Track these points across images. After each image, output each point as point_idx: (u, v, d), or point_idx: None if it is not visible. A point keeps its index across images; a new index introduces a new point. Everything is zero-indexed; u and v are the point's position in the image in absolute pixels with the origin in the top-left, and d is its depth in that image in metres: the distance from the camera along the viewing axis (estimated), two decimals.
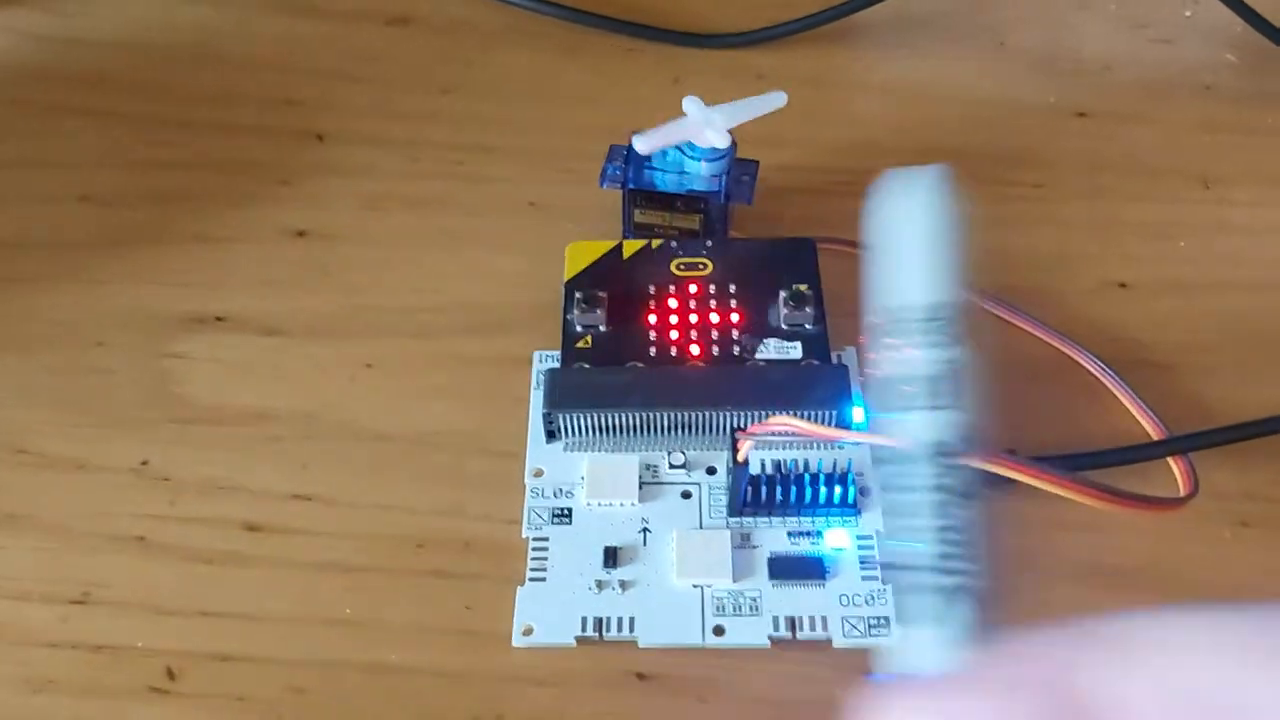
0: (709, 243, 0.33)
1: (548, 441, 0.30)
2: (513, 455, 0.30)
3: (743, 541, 0.28)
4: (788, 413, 0.28)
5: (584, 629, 0.27)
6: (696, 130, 0.33)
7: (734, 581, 0.28)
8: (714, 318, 0.31)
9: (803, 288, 0.31)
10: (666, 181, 0.33)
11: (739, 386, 0.30)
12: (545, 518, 0.29)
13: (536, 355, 0.32)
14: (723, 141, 0.33)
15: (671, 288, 0.32)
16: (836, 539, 0.28)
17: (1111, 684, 0.16)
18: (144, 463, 0.31)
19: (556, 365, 0.31)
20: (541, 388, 0.30)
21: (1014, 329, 0.33)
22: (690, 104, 0.33)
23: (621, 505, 0.29)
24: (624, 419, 0.29)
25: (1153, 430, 0.31)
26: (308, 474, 0.30)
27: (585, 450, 0.30)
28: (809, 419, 0.28)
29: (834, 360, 0.31)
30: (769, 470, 0.28)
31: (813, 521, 0.29)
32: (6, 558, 0.29)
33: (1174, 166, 0.39)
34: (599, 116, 0.39)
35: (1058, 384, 0.32)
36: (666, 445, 0.30)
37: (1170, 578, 0.28)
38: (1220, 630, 0.16)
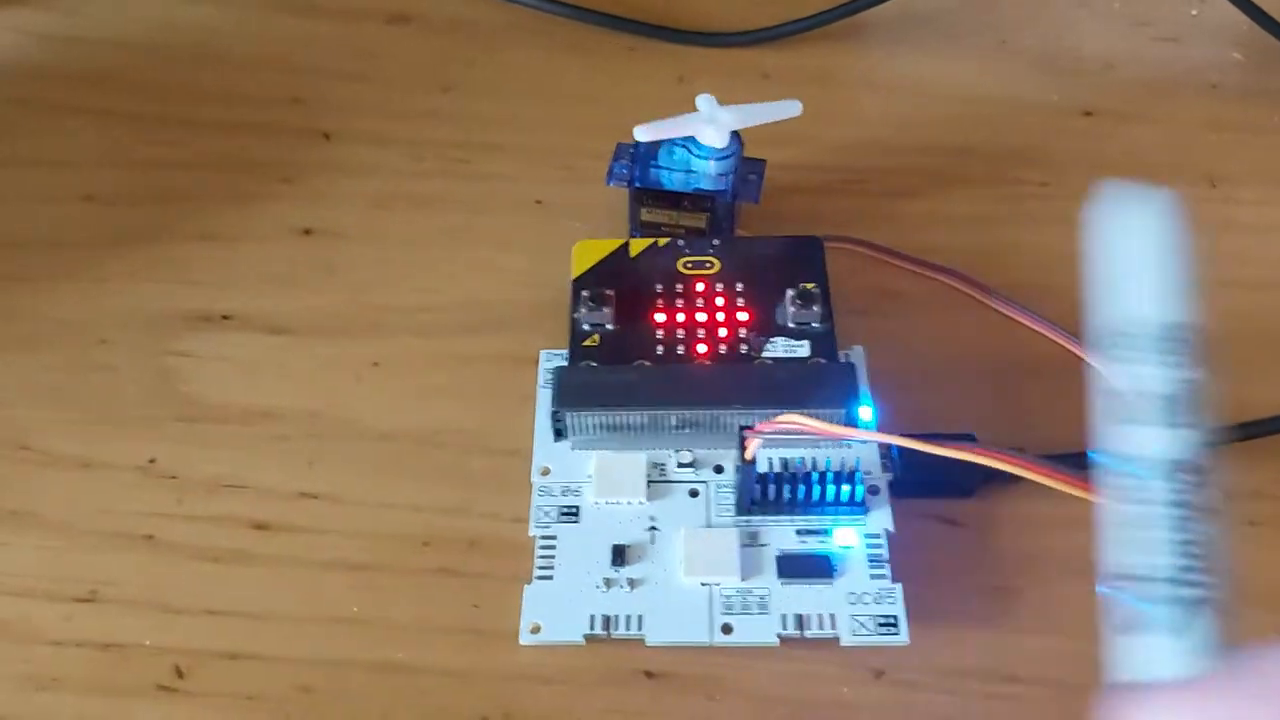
0: (716, 241, 0.33)
1: (555, 440, 0.30)
2: (518, 454, 0.30)
3: (751, 540, 0.28)
4: (795, 411, 0.28)
5: (592, 627, 0.27)
6: (696, 126, 0.33)
7: (742, 580, 0.28)
8: (721, 316, 0.31)
9: (810, 286, 0.31)
10: (673, 180, 0.33)
11: (746, 385, 0.30)
12: (553, 516, 0.29)
13: (543, 354, 0.32)
14: (720, 141, 0.33)
15: (679, 286, 0.32)
16: (844, 537, 0.28)
17: None
18: (151, 461, 0.31)
19: (563, 364, 0.31)
20: (549, 386, 0.30)
21: (1022, 327, 0.33)
22: (703, 101, 0.33)
23: (629, 504, 0.29)
24: (632, 418, 0.29)
25: None
26: (314, 472, 0.30)
27: (593, 449, 0.30)
28: (817, 417, 0.28)
29: (841, 358, 0.31)
30: (777, 468, 0.28)
31: (820, 520, 0.29)
32: (10, 555, 0.29)
33: (1180, 165, 0.38)
34: (603, 115, 0.38)
35: (1066, 382, 0.32)
36: (674, 444, 0.30)
37: None
38: None
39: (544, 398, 0.31)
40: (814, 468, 0.28)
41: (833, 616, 0.27)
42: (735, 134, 0.33)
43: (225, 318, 0.34)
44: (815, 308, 0.31)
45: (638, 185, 0.34)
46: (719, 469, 0.30)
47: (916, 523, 0.29)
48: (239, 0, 0.45)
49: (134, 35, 0.43)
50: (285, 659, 0.27)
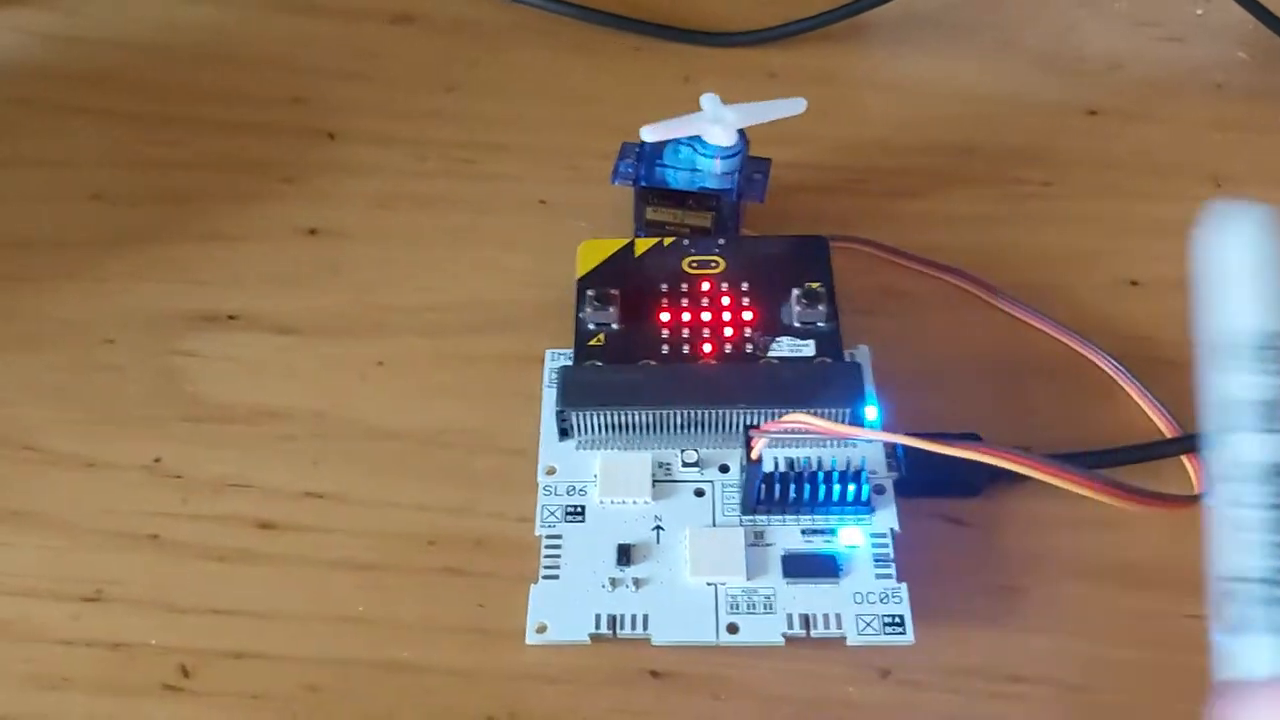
0: (721, 240, 0.33)
1: (560, 439, 0.30)
2: (524, 453, 0.30)
3: (756, 539, 0.28)
4: (801, 410, 0.28)
5: (597, 626, 0.27)
6: (702, 125, 0.33)
7: (748, 579, 0.28)
8: (726, 315, 0.31)
9: (815, 285, 0.31)
10: (679, 179, 0.33)
11: (752, 384, 0.30)
12: (558, 515, 0.29)
13: (549, 354, 0.32)
14: (727, 140, 0.33)
15: (684, 286, 0.32)
16: (850, 537, 0.28)
17: None
18: (156, 460, 0.31)
19: (569, 363, 0.31)
20: (554, 386, 0.30)
21: (1026, 327, 0.33)
22: (707, 100, 0.33)
23: (634, 503, 0.29)
24: (637, 417, 0.29)
25: (1166, 428, 0.31)
26: (319, 472, 0.30)
27: (598, 448, 0.30)
28: (822, 417, 0.28)
29: (847, 358, 0.31)
30: (782, 468, 0.28)
31: (826, 519, 0.29)
32: (14, 555, 0.29)
33: (1185, 165, 0.38)
34: (608, 114, 0.38)
35: (1071, 381, 0.32)
36: (679, 443, 0.30)
37: (1184, 575, 0.28)
38: None
39: (549, 397, 0.31)
40: (819, 467, 0.28)
41: (838, 616, 0.27)
42: (740, 133, 0.33)
43: (231, 318, 0.34)
44: (821, 307, 0.31)
45: (643, 184, 0.34)
46: (724, 468, 0.30)
47: (922, 522, 0.29)
48: (241, 0, 0.45)
49: (136, 35, 0.43)
50: (291, 658, 0.27)
